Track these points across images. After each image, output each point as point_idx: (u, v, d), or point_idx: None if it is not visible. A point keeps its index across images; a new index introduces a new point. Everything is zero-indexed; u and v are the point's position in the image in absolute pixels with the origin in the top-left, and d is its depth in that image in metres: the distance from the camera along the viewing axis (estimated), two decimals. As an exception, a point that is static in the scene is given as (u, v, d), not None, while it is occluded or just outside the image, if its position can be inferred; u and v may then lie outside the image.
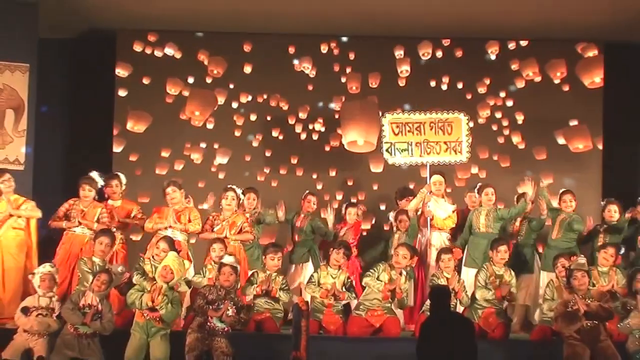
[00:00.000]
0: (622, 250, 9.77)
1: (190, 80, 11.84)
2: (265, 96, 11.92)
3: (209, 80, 11.86)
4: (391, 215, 10.30)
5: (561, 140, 11.72)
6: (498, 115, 11.93)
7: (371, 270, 9.21)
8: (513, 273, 9.19)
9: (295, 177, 11.77)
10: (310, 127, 11.94)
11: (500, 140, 11.91)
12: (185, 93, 11.77)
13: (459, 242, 10.04)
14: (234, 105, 11.93)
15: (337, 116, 11.78)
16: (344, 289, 9.11)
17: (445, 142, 10.10)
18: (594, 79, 11.53)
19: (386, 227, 10.66)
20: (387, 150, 10.09)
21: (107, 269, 8.36)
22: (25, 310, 8.04)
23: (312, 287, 9.12)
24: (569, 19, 11.09)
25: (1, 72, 10.59)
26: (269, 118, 11.96)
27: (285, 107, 11.94)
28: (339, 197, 11.73)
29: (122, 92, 11.79)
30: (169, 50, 11.80)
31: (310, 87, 11.97)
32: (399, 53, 11.88)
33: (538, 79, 11.82)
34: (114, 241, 8.98)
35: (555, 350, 8.34)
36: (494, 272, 9.10)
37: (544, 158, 11.69)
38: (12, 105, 10.64)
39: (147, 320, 8.09)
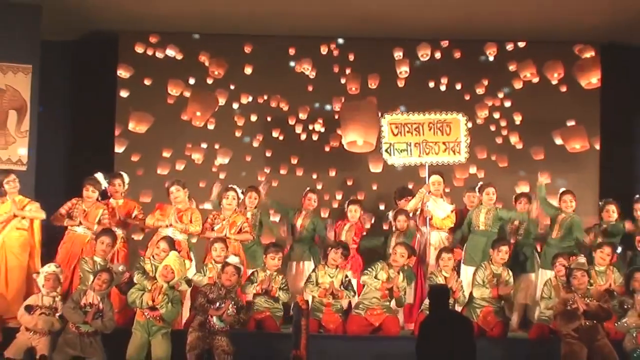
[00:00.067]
0: (619, 250, 9.80)
1: (192, 81, 11.91)
2: (265, 97, 11.97)
3: (209, 81, 11.95)
4: (390, 214, 10.37)
5: (559, 141, 11.82)
6: (496, 115, 11.99)
7: (369, 269, 9.25)
8: (511, 272, 9.25)
9: (295, 177, 11.82)
10: (310, 127, 11.99)
11: (499, 140, 11.97)
12: (187, 94, 11.88)
13: (457, 236, 10.11)
14: (235, 106, 11.98)
15: (336, 117, 11.87)
16: (342, 288, 9.18)
17: (443, 143, 10.12)
18: (591, 80, 11.68)
19: (385, 227, 10.72)
20: (386, 150, 10.13)
21: (108, 268, 8.40)
22: (29, 309, 8.09)
23: (310, 287, 9.15)
24: (566, 21, 11.13)
25: (4, 73, 10.64)
26: (269, 119, 12.02)
27: (286, 108, 11.99)
28: (339, 197, 11.80)
29: (124, 93, 11.85)
30: (170, 52, 11.89)
31: (310, 88, 12.02)
32: (398, 54, 11.97)
33: (536, 80, 11.93)
34: (115, 241, 9.00)
35: (553, 349, 8.38)
36: (492, 271, 9.18)
37: (541, 158, 11.75)
38: (15, 106, 10.68)
39: (148, 319, 8.13)
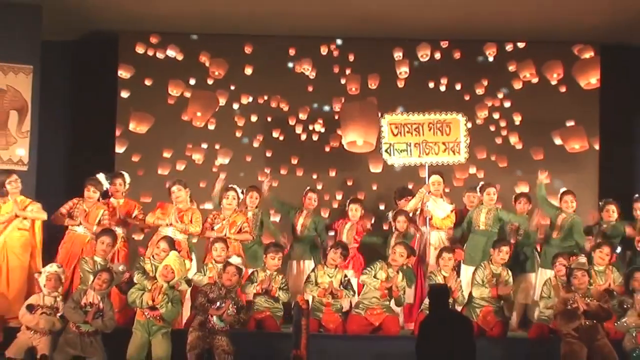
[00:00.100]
0: (619, 249, 9.83)
1: (192, 81, 11.93)
2: (265, 97, 11.99)
3: (210, 81, 11.98)
4: (390, 215, 10.40)
5: (558, 141, 11.85)
6: (496, 116, 12.01)
7: (368, 269, 9.27)
8: (510, 272, 9.27)
9: (295, 178, 11.83)
10: (311, 127, 12.00)
11: (498, 140, 11.99)
12: (187, 94, 11.91)
13: (456, 233, 10.11)
14: (235, 106, 12.00)
15: (336, 117, 11.89)
16: (341, 288, 9.20)
17: (443, 143, 10.13)
18: (590, 80, 11.71)
19: (385, 227, 10.74)
20: (386, 150, 10.15)
21: (108, 268, 8.41)
22: (31, 308, 8.09)
23: (309, 287, 9.17)
24: (566, 21, 11.14)
25: (5, 73, 10.65)
26: (269, 119, 12.03)
27: (286, 108, 12.01)
28: (339, 197, 11.82)
29: (124, 94, 11.86)
30: (171, 52, 11.91)
31: (310, 89, 12.05)
32: (397, 55, 12.00)
33: (535, 80, 11.96)
34: (115, 240, 9.02)
35: (553, 349, 8.40)
36: (491, 271, 9.20)
37: (541, 158, 11.78)
38: (16, 106, 10.70)
39: (148, 319, 8.14)
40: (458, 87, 12.01)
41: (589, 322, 8.20)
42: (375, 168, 11.78)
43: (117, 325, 8.28)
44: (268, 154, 11.99)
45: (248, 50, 12.00)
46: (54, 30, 11.29)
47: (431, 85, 12.02)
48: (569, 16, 11.02)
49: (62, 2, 10.71)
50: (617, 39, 11.63)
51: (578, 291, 8.31)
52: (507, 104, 12.02)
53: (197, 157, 11.91)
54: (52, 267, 8.41)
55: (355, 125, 11.58)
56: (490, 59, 12.00)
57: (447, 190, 10.65)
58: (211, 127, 11.96)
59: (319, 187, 11.69)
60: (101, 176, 9.65)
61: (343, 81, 12.05)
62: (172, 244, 8.77)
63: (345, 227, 10.10)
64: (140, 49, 11.86)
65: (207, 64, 11.96)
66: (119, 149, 11.81)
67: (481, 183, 10.37)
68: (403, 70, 11.97)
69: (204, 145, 11.93)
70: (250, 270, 9.32)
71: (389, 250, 9.58)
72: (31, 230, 9.41)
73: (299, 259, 10.10)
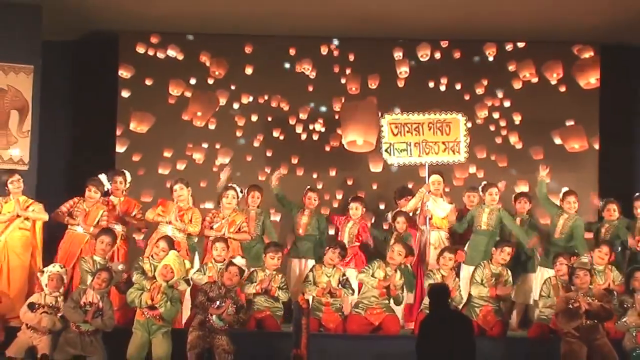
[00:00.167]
0: (619, 249, 9.85)
1: (192, 81, 11.95)
2: (266, 97, 12.00)
3: (210, 81, 11.99)
4: (389, 215, 10.41)
5: (558, 141, 11.86)
6: (495, 115, 12.02)
7: (366, 267, 9.31)
8: (510, 272, 9.28)
9: (295, 177, 11.83)
10: (311, 127, 12.02)
11: (498, 140, 12.00)
12: (188, 94, 11.93)
13: (459, 227, 10.13)
14: (235, 106, 12.01)
15: (336, 117, 11.90)
16: (339, 287, 9.21)
17: (443, 142, 10.14)
18: (590, 80, 11.72)
19: (385, 227, 10.75)
20: (386, 150, 10.17)
21: (107, 267, 8.42)
22: (32, 306, 8.10)
23: (308, 287, 9.18)
24: (566, 21, 11.15)
25: (6, 73, 10.66)
26: (269, 119, 12.04)
27: (286, 108, 12.03)
28: (339, 196, 11.83)
29: (125, 93, 11.87)
30: (171, 52, 11.93)
31: (310, 88, 12.06)
32: (397, 55, 12.02)
33: (535, 80, 11.98)
34: (115, 240, 9.03)
35: (553, 348, 8.40)
36: (491, 270, 9.21)
37: (540, 158, 11.78)
38: (17, 106, 10.71)
39: (148, 319, 8.15)
40: (458, 86, 12.02)
41: (589, 322, 8.21)
42: (375, 168, 11.80)
43: (117, 324, 8.30)
44: (268, 154, 12.00)
45: (248, 50, 12.01)
46: (54, 30, 11.29)
47: (431, 85, 12.04)
48: (569, 16, 11.03)
49: (62, 2, 10.71)
50: (617, 39, 11.64)
51: (580, 291, 8.33)
52: (507, 104, 12.03)
53: (198, 157, 11.92)
54: (54, 267, 8.43)
55: (356, 125, 11.59)
56: (490, 58, 12.02)
57: (447, 189, 10.65)
58: (212, 126, 11.98)
59: (319, 186, 11.70)
60: (103, 177, 9.67)
61: (343, 81, 12.06)
62: (171, 243, 8.78)
63: (347, 225, 10.11)
64: (140, 49, 11.88)
65: (207, 64, 11.97)
66: (120, 149, 11.82)
67: (483, 183, 10.37)
68: (403, 70, 11.99)
69: (205, 145, 11.94)
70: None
71: (388, 250, 9.59)
72: (32, 230, 9.43)
73: (302, 258, 10.09)
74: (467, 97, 11.96)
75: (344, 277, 9.30)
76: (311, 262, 9.92)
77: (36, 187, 10.52)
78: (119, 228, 9.63)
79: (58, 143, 11.79)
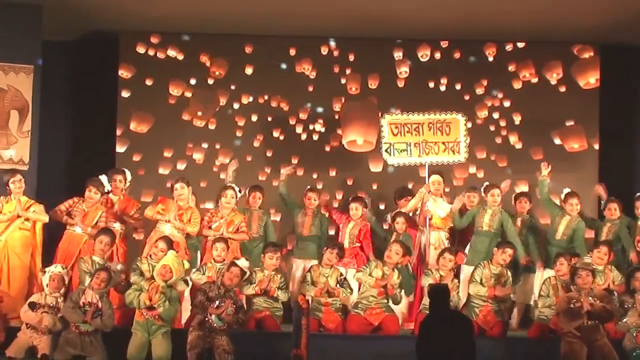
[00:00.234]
0: (621, 247, 9.85)
1: (193, 81, 11.94)
2: (266, 97, 11.99)
3: (210, 81, 11.99)
4: (389, 216, 10.42)
5: (557, 141, 11.87)
6: (495, 115, 12.01)
7: (363, 267, 9.33)
8: (510, 273, 9.28)
9: (295, 177, 11.78)
10: (311, 127, 12.02)
11: (498, 140, 11.99)
12: (188, 94, 11.92)
13: (460, 222, 10.11)
14: (236, 106, 12.01)
15: (336, 117, 11.90)
16: (337, 286, 9.21)
17: (443, 143, 10.15)
18: (590, 80, 11.72)
19: (385, 227, 10.76)
20: (386, 150, 10.17)
21: (106, 267, 8.41)
22: (33, 306, 8.11)
23: (306, 287, 9.19)
24: (565, 21, 11.15)
25: (6, 73, 10.66)
26: (269, 119, 12.03)
27: (286, 108, 12.03)
28: (339, 196, 11.83)
29: (125, 94, 11.87)
30: (171, 52, 11.93)
31: (310, 88, 12.06)
32: (398, 55, 12.02)
33: (535, 80, 11.98)
34: (114, 240, 9.04)
35: (553, 348, 8.41)
36: (490, 271, 9.21)
37: (540, 158, 11.77)
38: (17, 106, 10.71)
39: (147, 319, 8.16)
40: (458, 87, 12.02)
41: (590, 322, 8.22)
42: (375, 168, 11.80)
43: (117, 324, 8.31)
44: (268, 154, 12.00)
45: (248, 50, 12.01)
46: (55, 30, 11.29)
47: (431, 85, 12.04)
48: (568, 16, 11.03)
49: (62, 2, 10.71)
50: (616, 39, 11.64)
51: (582, 291, 8.33)
52: (506, 104, 12.03)
53: (198, 157, 11.92)
54: (56, 268, 8.44)
55: (356, 125, 11.59)
56: (490, 59, 12.02)
57: (447, 189, 10.66)
58: (212, 126, 11.98)
59: (319, 186, 11.69)
60: (103, 178, 9.68)
61: (343, 81, 12.06)
62: (170, 243, 8.77)
63: (348, 227, 10.11)
64: (140, 49, 11.88)
65: (207, 64, 11.97)
66: (120, 149, 11.82)
67: (486, 183, 10.37)
68: (403, 70, 12.00)
69: (205, 145, 11.94)
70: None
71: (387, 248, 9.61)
72: (32, 231, 9.45)
73: (304, 258, 10.08)
74: (467, 97, 11.95)
75: (342, 277, 9.30)
76: (314, 263, 9.93)
77: (36, 187, 10.52)
78: (117, 226, 9.65)
79: (58, 143, 11.79)
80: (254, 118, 12.02)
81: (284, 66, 12.04)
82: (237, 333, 8.25)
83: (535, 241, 10.11)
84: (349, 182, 11.96)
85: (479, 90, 11.99)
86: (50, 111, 11.36)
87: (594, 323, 8.23)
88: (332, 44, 12.05)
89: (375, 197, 11.76)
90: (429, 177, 10.15)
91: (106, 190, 9.71)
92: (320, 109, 12.04)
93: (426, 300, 8.49)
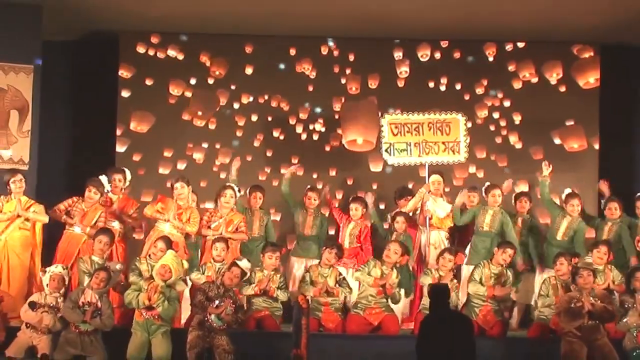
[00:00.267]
0: (622, 247, 9.84)
1: (193, 81, 11.95)
2: (266, 97, 12.00)
3: (210, 81, 12.00)
4: (389, 216, 10.42)
5: (557, 141, 11.87)
6: (495, 115, 12.02)
7: (362, 266, 9.32)
8: (510, 273, 9.28)
9: (295, 177, 11.78)
10: (311, 127, 12.02)
11: (498, 140, 12.00)
12: (188, 94, 11.93)
13: (461, 219, 10.09)
14: (236, 105, 12.02)
15: (336, 117, 11.90)
16: (336, 286, 9.21)
17: (443, 142, 10.16)
18: (590, 80, 11.73)
19: (385, 226, 10.75)
20: (386, 150, 10.18)
21: (105, 267, 8.41)
22: (33, 305, 8.10)
23: (305, 287, 9.19)
24: (565, 21, 11.15)
25: (6, 73, 10.67)
26: (269, 118, 12.04)
27: (286, 108, 12.04)
28: (339, 196, 11.82)
29: (125, 93, 11.87)
30: (172, 52, 11.94)
31: (310, 88, 12.07)
32: (398, 54, 12.03)
33: (535, 80, 11.99)
34: (113, 240, 9.04)
35: (553, 348, 8.40)
36: (490, 270, 9.21)
37: (540, 158, 11.77)
38: (17, 106, 10.72)
39: (147, 319, 8.16)
40: (458, 86, 12.02)
41: (591, 322, 8.21)
42: (375, 168, 11.81)
43: (117, 324, 8.31)
44: (268, 154, 12.00)
45: (248, 50, 12.02)
46: (55, 30, 11.30)
47: (431, 84, 12.04)
48: (568, 16, 11.03)
49: (62, 2, 10.72)
50: (616, 39, 11.64)
51: (583, 291, 8.32)
52: (506, 104, 12.03)
53: (198, 157, 11.92)
54: (57, 268, 8.44)
55: (356, 125, 11.59)
56: (490, 58, 12.02)
57: (447, 189, 10.66)
58: (212, 126, 11.98)
59: (319, 186, 11.66)
60: (103, 178, 9.68)
61: (343, 81, 12.07)
62: (169, 243, 8.76)
63: (348, 227, 10.11)
64: (140, 49, 11.89)
65: (207, 64, 11.98)
66: (120, 149, 11.83)
67: (487, 184, 10.36)
68: (403, 70, 12.00)
69: (205, 145, 11.95)
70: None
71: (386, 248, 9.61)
72: (32, 230, 9.45)
73: (306, 258, 10.07)
74: (467, 97, 11.96)
75: (341, 276, 9.31)
76: (315, 262, 9.95)
77: (36, 187, 10.52)
78: (116, 225, 9.65)
79: (58, 143, 11.80)
80: (254, 118, 12.03)
81: (283, 66, 12.05)
82: (237, 333, 8.24)
83: (535, 243, 10.11)
84: (349, 182, 11.96)
85: (479, 90, 11.99)
86: (50, 111, 11.37)
87: (594, 323, 8.23)
88: (332, 44, 12.05)
89: (376, 197, 11.77)
90: (429, 177, 10.16)
91: (106, 191, 9.70)
92: (320, 109, 12.06)
93: (426, 300, 8.50)
